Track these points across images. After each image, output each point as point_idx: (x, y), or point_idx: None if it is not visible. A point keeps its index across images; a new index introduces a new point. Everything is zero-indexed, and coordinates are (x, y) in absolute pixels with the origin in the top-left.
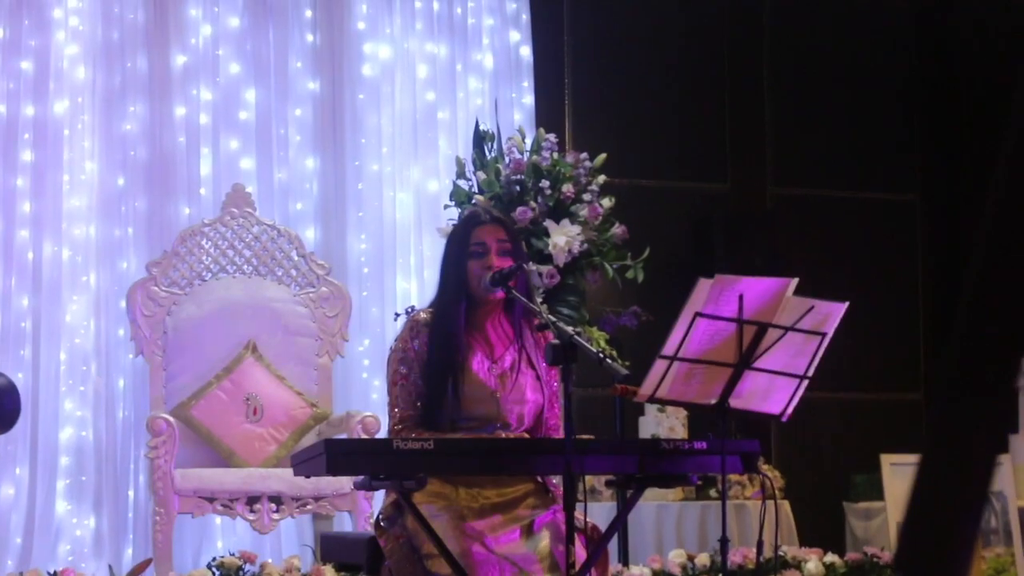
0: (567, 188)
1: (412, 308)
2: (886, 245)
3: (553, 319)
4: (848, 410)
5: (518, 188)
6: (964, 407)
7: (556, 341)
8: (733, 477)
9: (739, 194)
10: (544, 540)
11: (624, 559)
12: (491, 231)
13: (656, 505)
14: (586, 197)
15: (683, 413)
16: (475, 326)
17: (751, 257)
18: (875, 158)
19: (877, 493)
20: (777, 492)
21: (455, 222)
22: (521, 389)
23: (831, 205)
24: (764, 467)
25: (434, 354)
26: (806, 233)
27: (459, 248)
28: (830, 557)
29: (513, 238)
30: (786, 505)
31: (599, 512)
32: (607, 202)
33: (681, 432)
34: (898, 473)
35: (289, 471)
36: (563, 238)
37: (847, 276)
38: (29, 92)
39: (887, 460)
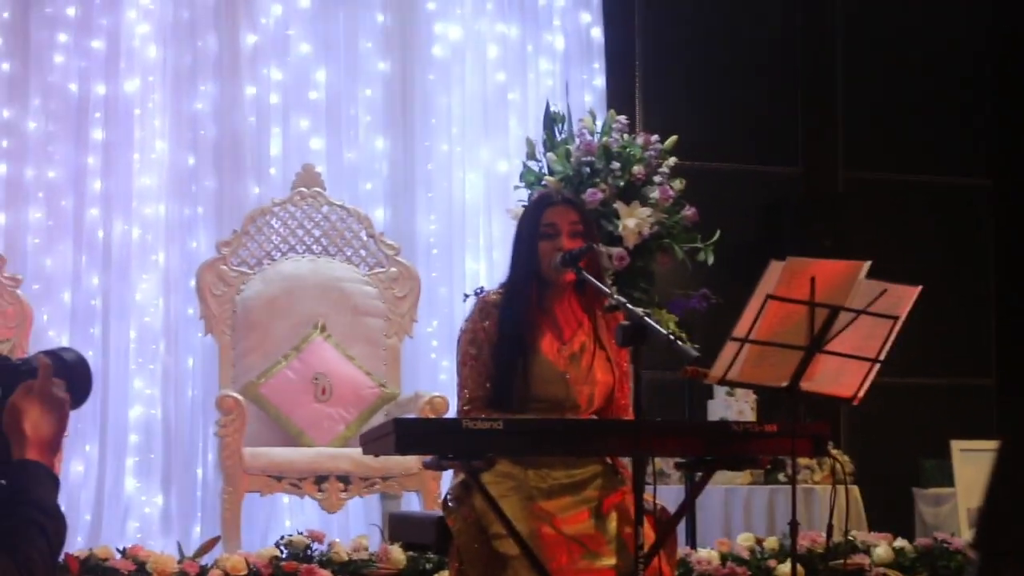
0: (637, 170)
1: (481, 289)
2: (957, 230)
3: (623, 300)
4: (918, 395)
5: (588, 170)
6: None
7: (627, 322)
8: (802, 461)
9: (810, 177)
10: (612, 522)
11: (692, 542)
12: (563, 213)
13: (724, 489)
14: (656, 179)
15: (752, 396)
16: (545, 308)
17: (821, 241)
18: (947, 142)
19: (947, 479)
20: (847, 477)
21: (526, 204)
22: (591, 370)
23: (902, 189)
24: (833, 452)
25: (504, 335)
26: (877, 217)
27: (530, 229)
28: (900, 542)
29: (585, 220)
30: (855, 490)
31: (667, 495)
32: (678, 184)
33: (750, 415)
34: (968, 459)
35: (357, 451)
36: (633, 220)
37: (917, 261)
38: (100, 71)
39: (957, 446)
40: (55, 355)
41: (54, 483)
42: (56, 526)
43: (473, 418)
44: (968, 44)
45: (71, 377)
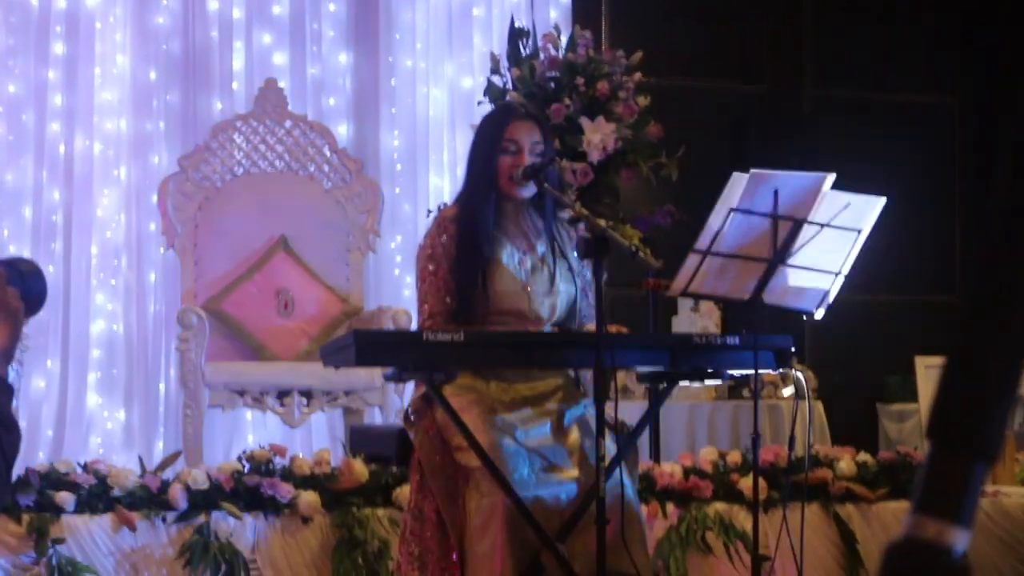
0: (602, 85)
1: (444, 205)
2: (924, 147)
3: (586, 212)
4: (883, 312)
5: (553, 85)
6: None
7: (588, 234)
8: (766, 377)
9: (776, 95)
10: (574, 434)
11: (656, 456)
12: (526, 129)
13: (689, 405)
14: (621, 95)
15: (717, 313)
16: (503, 221)
17: (787, 158)
18: (914, 60)
19: (911, 395)
20: (810, 392)
21: (489, 113)
22: (553, 281)
23: (869, 107)
24: (797, 366)
25: (463, 248)
26: (843, 135)
27: (490, 142)
28: (862, 456)
29: (546, 138)
30: (819, 405)
31: (631, 410)
32: (642, 100)
33: (714, 331)
34: (932, 375)
35: (319, 365)
36: (597, 135)
37: (884, 178)
38: None
39: (921, 362)
40: (9, 264)
41: (7, 392)
42: (9, 436)
43: (434, 330)
44: None
45: (26, 286)
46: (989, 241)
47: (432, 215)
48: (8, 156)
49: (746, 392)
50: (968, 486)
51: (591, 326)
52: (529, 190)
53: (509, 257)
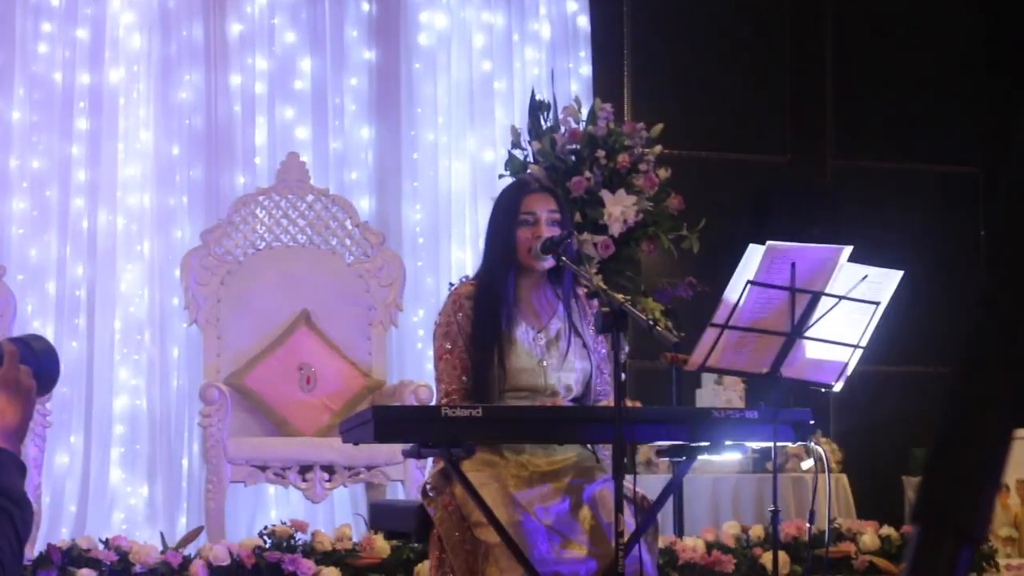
0: (623, 158)
1: (466, 277)
2: (947, 217)
3: (603, 287)
4: (908, 383)
5: (573, 158)
6: (986, 380)
7: (606, 308)
8: (790, 450)
9: (799, 166)
10: (593, 510)
11: (679, 530)
12: (541, 200)
13: (712, 478)
14: (642, 167)
15: (741, 385)
16: (520, 297)
17: (810, 229)
18: (936, 130)
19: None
20: (834, 465)
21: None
22: (568, 358)
23: (892, 177)
24: (820, 440)
25: (479, 324)
26: (866, 206)
27: (508, 217)
28: (886, 530)
29: (562, 208)
30: (844, 478)
31: (654, 484)
32: (663, 172)
33: (739, 404)
34: None
35: (341, 440)
36: (618, 208)
37: (907, 249)
38: (85, 60)
39: None
40: (22, 342)
41: (20, 470)
42: (23, 514)
43: (452, 406)
44: (957, 31)
45: (38, 364)
46: (976, 311)
47: (449, 290)
48: (32, 231)
49: (769, 465)
50: (955, 571)
51: (606, 403)
52: (548, 263)
53: (524, 334)
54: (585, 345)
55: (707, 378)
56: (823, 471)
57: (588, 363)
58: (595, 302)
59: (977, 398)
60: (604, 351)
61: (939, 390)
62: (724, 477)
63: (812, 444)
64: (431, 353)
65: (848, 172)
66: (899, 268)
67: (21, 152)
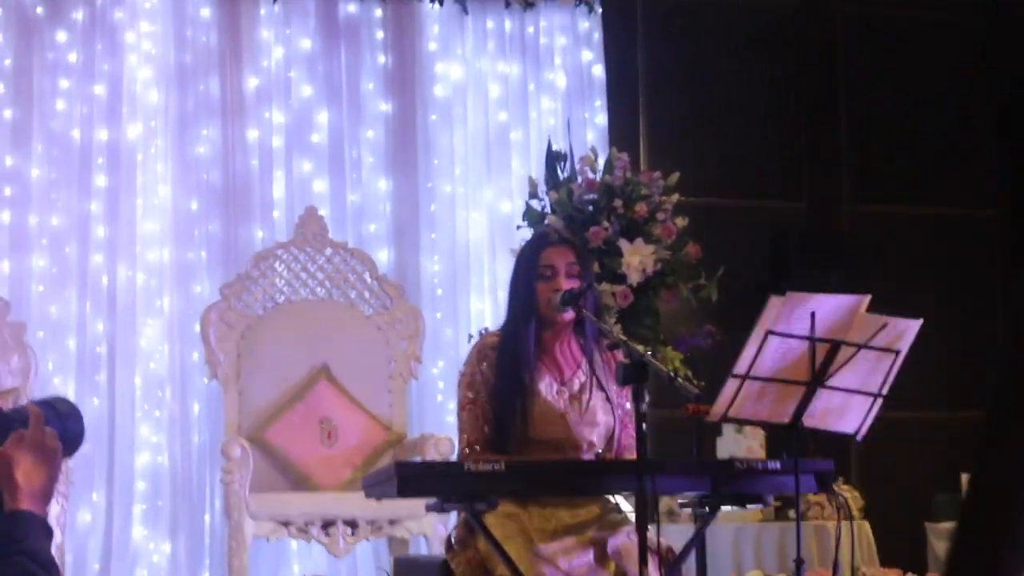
0: (640, 207)
1: (486, 329)
2: (965, 261)
3: (624, 339)
4: (929, 429)
5: (591, 208)
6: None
7: (627, 361)
8: (812, 498)
9: (815, 212)
10: (617, 562)
11: None
12: (560, 253)
13: (735, 527)
14: (659, 216)
15: (761, 433)
16: (543, 349)
17: (827, 275)
18: (952, 173)
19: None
20: (856, 512)
21: (525, 243)
22: (592, 412)
23: (908, 222)
24: (843, 487)
25: (502, 377)
26: (883, 250)
27: (527, 270)
28: None
29: (582, 260)
30: (866, 525)
31: (677, 534)
32: (681, 221)
33: (760, 453)
34: None
35: (363, 494)
36: (637, 257)
37: (925, 293)
38: (103, 117)
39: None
40: (47, 404)
41: (47, 533)
42: None
43: (475, 460)
44: (971, 75)
45: (63, 427)
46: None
47: (473, 340)
48: (52, 288)
49: (792, 513)
50: None
51: (629, 456)
52: (568, 315)
53: (548, 387)
54: (608, 399)
55: (728, 427)
56: (846, 518)
57: (611, 417)
58: (618, 353)
59: (999, 480)
60: (628, 405)
61: (960, 435)
62: (746, 526)
63: (836, 492)
64: (452, 405)
65: (864, 217)
66: (917, 311)
67: (40, 209)
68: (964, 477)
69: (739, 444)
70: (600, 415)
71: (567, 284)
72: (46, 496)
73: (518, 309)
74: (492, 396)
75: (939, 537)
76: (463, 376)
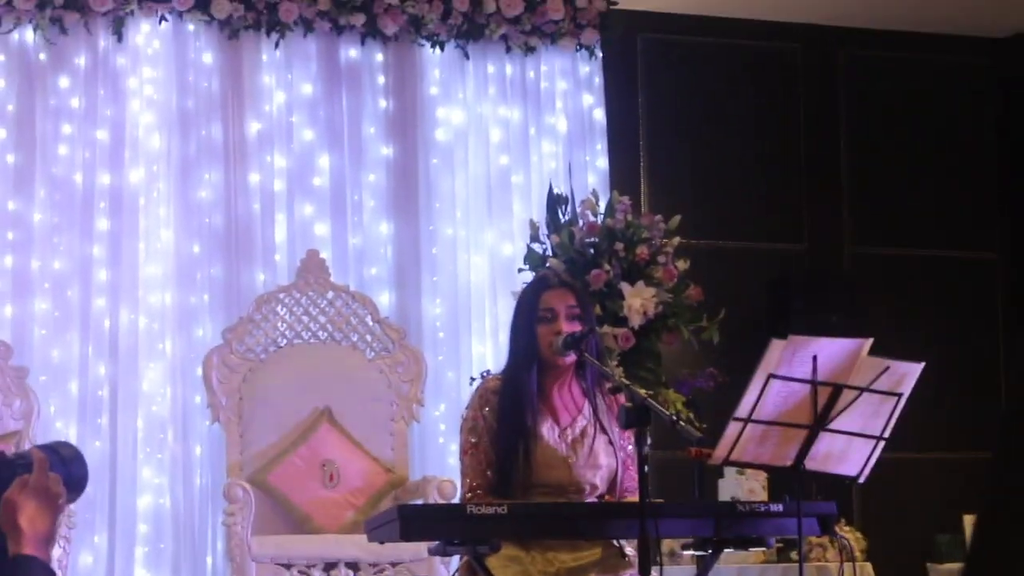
0: (641, 250)
1: (488, 372)
2: (966, 303)
3: (626, 382)
4: (930, 470)
5: (592, 251)
6: None
7: (629, 404)
8: (814, 539)
9: (816, 254)
10: None
11: None
12: (560, 296)
13: (737, 568)
14: (661, 259)
15: (763, 475)
16: (545, 392)
17: (828, 317)
18: (953, 216)
19: (961, 554)
20: (859, 554)
21: (525, 286)
22: (594, 455)
23: (909, 264)
24: (844, 529)
25: (504, 421)
26: (884, 292)
27: (528, 314)
28: None
29: (582, 303)
30: (868, 567)
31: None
32: (682, 264)
33: (761, 494)
34: None
35: (366, 537)
36: (638, 300)
37: (927, 335)
38: (105, 161)
39: (971, 520)
40: (51, 449)
41: None
42: None
43: (478, 503)
44: (973, 117)
45: (67, 471)
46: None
47: (475, 384)
48: (54, 332)
49: (794, 555)
50: None
51: (632, 499)
52: (570, 359)
53: (550, 431)
54: (611, 443)
55: (729, 468)
56: (848, 560)
57: (614, 460)
58: (620, 396)
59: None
60: (631, 447)
61: (961, 476)
62: (748, 567)
63: (838, 535)
64: (453, 448)
65: (865, 259)
66: (917, 352)
67: (42, 253)
68: (966, 517)
69: (741, 486)
70: (603, 458)
71: (567, 327)
72: (49, 541)
73: (519, 353)
74: (494, 440)
75: None
76: (465, 420)
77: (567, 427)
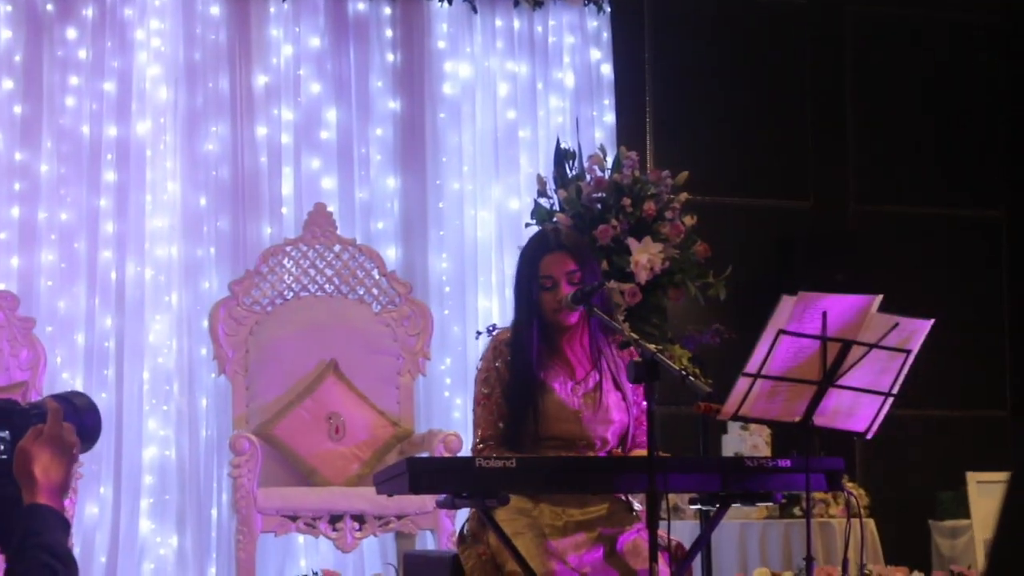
0: (648, 206)
1: (494, 327)
2: (971, 261)
3: (635, 337)
4: (933, 427)
5: (599, 206)
6: None
7: (639, 359)
8: (817, 495)
9: (821, 211)
10: (627, 559)
11: None
12: (559, 261)
13: (740, 524)
14: (668, 215)
15: (766, 431)
16: (556, 347)
17: (833, 275)
18: (960, 174)
19: (963, 511)
20: (862, 510)
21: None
22: (606, 409)
23: (914, 222)
24: (848, 485)
25: (516, 374)
26: (889, 250)
27: (528, 278)
28: (916, 575)
29: (583, 263)
30: (871, 523)
31: (682, 530)
32: (689, 220)
33: (765, 450)
34: (984, 491)
35: (371, 489)
36: (645, 256)
37: (931, 293)
38: (112, 113)
39: (973, 478)
40: (65, 399)
41: (65, 527)
42: (68, 570)
43: (486, 456)
44: (980, 74)
45: (81, 421)
46: None
47: (481, 337)
48: (61, 283)
49: (797, 510)
50: None
51: (641, 452)
52: (574, 317)
53: (562, 384)
54: (624, 397)
55: (733, 424)
56: (854, 516)
57: (626, 415)
58: (630, 351)
59: None
60: (644, 402)
61: (964, 433)
62: (751, 523)
63: (846, 490)
64: (459, 401)
65: (871, 217)
66: (923, 311)
67: (49, 205)
68: (968, 475)
69: (744, 441)
70: (615, 413)
71: (568, 290)
72: (63, 490)
73: (522, 312)
74: (506, 392)
75: (943, 535)
76: (479, 371)
77: (580, 381)
